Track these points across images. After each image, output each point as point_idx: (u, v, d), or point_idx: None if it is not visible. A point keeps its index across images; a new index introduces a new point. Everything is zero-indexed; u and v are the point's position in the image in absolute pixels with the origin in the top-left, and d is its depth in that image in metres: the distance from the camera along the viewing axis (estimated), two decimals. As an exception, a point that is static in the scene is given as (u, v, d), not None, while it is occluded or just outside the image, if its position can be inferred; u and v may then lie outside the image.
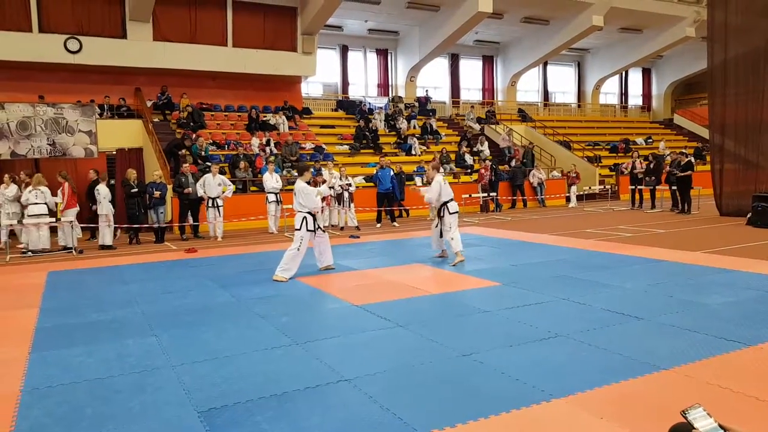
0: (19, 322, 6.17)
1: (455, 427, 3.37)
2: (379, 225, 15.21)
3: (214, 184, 13.31)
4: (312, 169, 10.92)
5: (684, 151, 18.28)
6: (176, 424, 3.53)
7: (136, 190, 12.87)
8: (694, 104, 31.43)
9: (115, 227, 12.67)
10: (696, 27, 25.13)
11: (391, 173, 15.67)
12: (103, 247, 12.20)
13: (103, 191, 12.24)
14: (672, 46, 26.95)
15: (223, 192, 13.49)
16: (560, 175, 20.94)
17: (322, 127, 21.51)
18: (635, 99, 33.71)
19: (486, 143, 22.03)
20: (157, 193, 12.87)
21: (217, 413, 3.65)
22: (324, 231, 8.78)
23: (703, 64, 17.35)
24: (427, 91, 26.06)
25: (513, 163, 20.12)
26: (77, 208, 12.40)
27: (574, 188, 19.93)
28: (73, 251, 11.66)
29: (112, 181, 16.34)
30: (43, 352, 5.07)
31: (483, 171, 18.39)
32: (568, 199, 20.06)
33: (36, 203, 11.85)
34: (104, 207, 12.20)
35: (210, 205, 13.35)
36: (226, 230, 14.08)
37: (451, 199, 9.12)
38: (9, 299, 7.41)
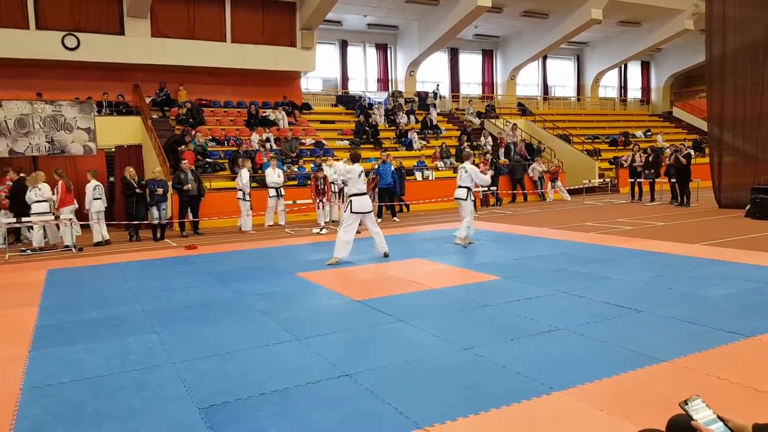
0: (19, 320, 6.18)
1: (456, 421, 3.38)
2: (379, 220, 15.20)
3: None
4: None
5: (684, 143, 18.27)
6: (177, 420, 3.54)
7: (137, 187, 12.89)
8: (693, 97, 31.39)
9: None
10: (695, 19, 25.06)
11: (392, 168, 15.65)
12: (98, 244, 12.38)
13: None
14: (671, 39, 26.90)
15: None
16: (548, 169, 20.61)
17: (322, 122, 21.50)
18: (634, 92, 33.69)
19: (489, 137, 22.00)
20: (159, 190, 12.88)
21: (218, 409, 3.66)
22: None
23: (702, 57, 17.33)
24: (438, 85, 26.01)
25: (513, 156, 20.08)
26: (75, 206, 12.39)
27: (559, 183, 19.70)
28: (73, 249, 11.66)
29: (111, 178, 16.40)
30: (44, 350, 5.08)
31: (482, 165, 18.36)
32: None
33: (37, 201, 11.88)
34: (98, 204, 12.51)
35: (246, 198, 13.81)
36: (223, 226, 14.19)
37: (458, 186, 10.38)
38: (9, 298, 7.42)
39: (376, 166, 15.93)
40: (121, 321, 5.96)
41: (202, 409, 3.67)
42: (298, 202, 14.48)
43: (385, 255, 9.29)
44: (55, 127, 14.39)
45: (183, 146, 16.09)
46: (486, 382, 3.96)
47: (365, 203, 9.20)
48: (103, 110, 17.30)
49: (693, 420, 1.83)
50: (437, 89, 25.82)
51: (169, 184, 13.69)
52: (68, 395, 4.00)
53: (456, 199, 10.46)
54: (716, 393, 3.63)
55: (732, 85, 14.47)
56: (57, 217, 12.03)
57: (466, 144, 19.84)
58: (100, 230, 12.61)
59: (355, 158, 9.56)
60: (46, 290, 7.76)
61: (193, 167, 14.54)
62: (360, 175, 9.17)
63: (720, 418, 1.83)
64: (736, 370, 3.99)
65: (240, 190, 13.96)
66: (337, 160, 16.93)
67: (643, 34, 27.22)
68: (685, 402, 1.87)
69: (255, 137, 17.93)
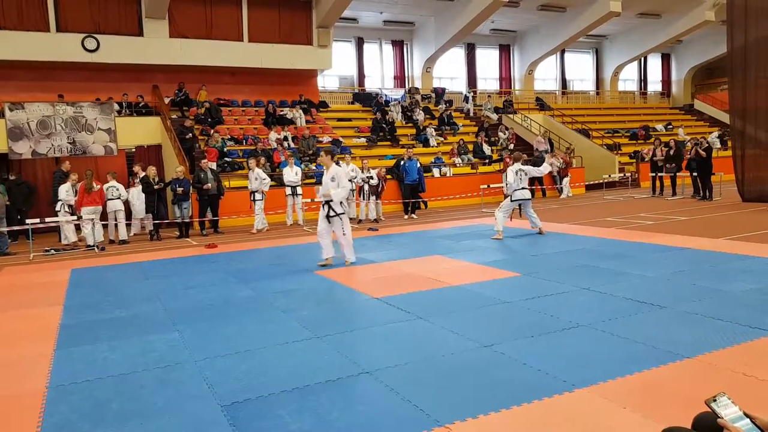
0: (44, 319, 6.27)
1: (477, 419, 3.36)
2: (406, 217, 15.21)
3: (252, 178, 13.86)
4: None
5: (704, 137, 18.00)
6: (200, 418, 3.57)
7: (155, 185, 13.05)
8: (714, 89, 30.91)
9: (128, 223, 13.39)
10: (715, 10, 24.68)
11: (418, 164, 15.67)
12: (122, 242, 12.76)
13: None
14: (691, 30, 26.50)
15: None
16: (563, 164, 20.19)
17: (339, 120, 21.53)
18: (654, 85, 33.26)
19: (507, 131, 21.88)
20: (180, 189, 13.01)
21: (240, 407, 3.68)
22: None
23: (723, 48, 17.05)
24: (469, 89, 25.89)
25: (534, 152, 19.91)
26: (96, 207, 12.51)
27: (566, 179, 19.39)
28: (96, 249, 11.81)
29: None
30: (68, 348, 5.15)
31: (508, 159, 18.18)
32: (560, 191, 19.46)
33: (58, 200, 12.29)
34: (116, 204, 12.86)
35: (252, 198, 13.85)
36: (242, 225, 14.28)
37: (522, 188, 10.69)
38: (33, 297, 7.53)
39: (402, 163, 15.93)
40: (144, 319, 6.03)
41: (224, 406, 3.70)
42: (316, 200, 14.50)
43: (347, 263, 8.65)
44: (77, 128, 14.60)
45: (190, 134, 16.27)
46: (507, 379, 3.94)
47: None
48: (123, 111, 17.49)
49: (720, 418, 1.80)
50: (468, 92, 25.64)
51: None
52: (93, 393, 4.06)
53: (526, 200, 10.83)
54: (743, 390, 3.57)
55: (754, 76, 14.23)
56: (79, 218, 12.20)
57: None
58: (118, 230, 13.02)
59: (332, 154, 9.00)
60: (69, 289, 7.87)
61: (213, 167, 14.64)
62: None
63: (747, 416, 1.80)
64: (763, 366, 3.93)
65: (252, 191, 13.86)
66: (354, 157, 16.96)
67: (663, 26, 26.86)
68: (712, 399, 1.85)
69: (273, 135, 18.00)
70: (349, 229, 8.70)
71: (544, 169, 11.76)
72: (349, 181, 14.30)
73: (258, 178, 13.76)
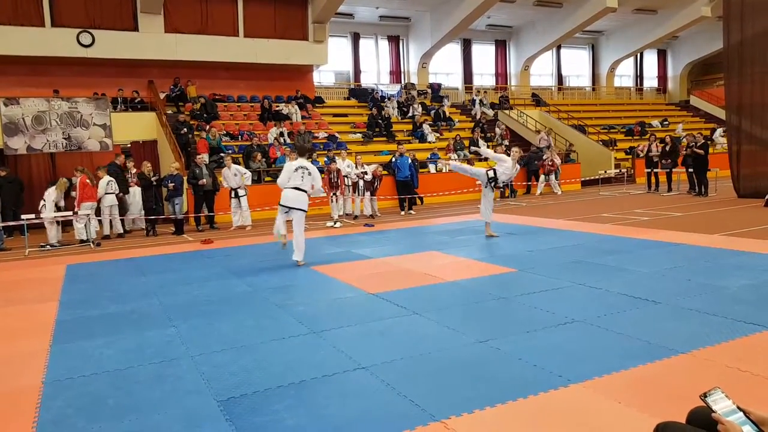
0: (40, 315, 6.26)
1: (473, 414, 3.38)
2: (403, 213, 15.19)
3: (230, 175, 13.51)
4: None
5: (701, 132, 18.03)
6: (197, 413, 3.57)
7: (157, 178, 13.07)
8: (710, 85, 30.97)
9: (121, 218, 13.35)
10: (712, 6, 24.69)
11: (409, 161, 15.67)
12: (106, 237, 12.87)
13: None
14: (687, 26, 26.53)
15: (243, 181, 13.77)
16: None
17: (335, 115, 21.48)
18: (650, 81, 33.29)
19: (504, 126, 21.88)
20: (171, 185, 12.98)
21: (236, 402, 3.69)
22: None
23: (719, 44, 17.08)
24: (485, 92, 25.59)
25: (531, 148, 19.92)
26: (93, 202, 12.48)
27: (552, 176, 19.05)
28: (91, 244, 11.78)
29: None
30: (64, 344, 5.14)
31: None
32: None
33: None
34: (112, 199, 12.85)
35: (232, 195, 13.61)
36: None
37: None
38: (29, 293, 7.52)
39: (393, 159, 15.92)
40: (140, 315, 6.03)
41: (220, 401, 3.70)
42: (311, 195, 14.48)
43: (298, 264, 8.42)
44: (72, 123, 14.54)
45: (185, 129, 16.21)
46: (502, 374, 3.96)
47: (291, 197, 8.33)
48: (119, 106, 17.42)
49: (713, 412, 1.81)
50: (483, 96, 25.32)
51: (184, 178, 13.79)
52: (89, 388, 4.06)
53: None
54: (737, 385, 3.59)
55: (750, 72, 14.26)
56: (75, 213, 12.15)
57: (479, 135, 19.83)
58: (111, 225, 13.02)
59: (302, 151, 8.96)
60: (65, 285, 7.85)
61: (207, 160, 14.60)
62: (296, 170, 8.35)
63: (741, 410, 1.81)
64: (758, 361, 3.95)
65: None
66: (350, 153, 16.95)
67: (659, 22, 26.87)
68: (706, 394, 1.86)
69: (274, 131, 17.89)
70: (301, 229, 8.47)
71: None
72: (345, 177, 14.35)
73: (237, 173, 13.60)
